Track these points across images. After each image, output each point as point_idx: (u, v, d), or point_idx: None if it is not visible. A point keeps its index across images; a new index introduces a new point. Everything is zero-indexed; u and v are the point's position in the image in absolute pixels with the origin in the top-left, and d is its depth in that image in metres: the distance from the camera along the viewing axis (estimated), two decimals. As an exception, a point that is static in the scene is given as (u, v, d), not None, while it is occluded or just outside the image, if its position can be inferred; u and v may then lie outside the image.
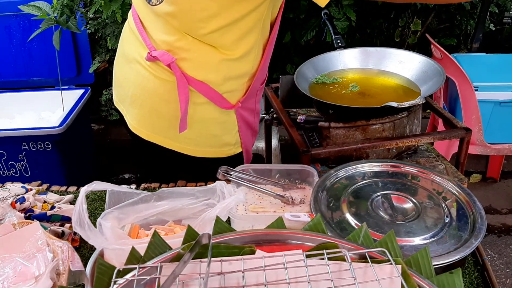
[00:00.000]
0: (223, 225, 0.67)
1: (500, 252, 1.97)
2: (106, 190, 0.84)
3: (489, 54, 2.32)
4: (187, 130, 1.15)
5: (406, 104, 1.15)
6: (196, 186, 1.07)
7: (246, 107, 1.25)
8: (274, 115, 1.49)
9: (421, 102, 1.16)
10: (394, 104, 1.14)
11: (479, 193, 2.36)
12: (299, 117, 1.42)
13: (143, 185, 1.12)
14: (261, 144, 2.09)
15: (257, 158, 2.30)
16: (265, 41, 1.17)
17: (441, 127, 1.93)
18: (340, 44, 1.49)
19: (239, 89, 1.18)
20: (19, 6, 1.83)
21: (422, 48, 3.10)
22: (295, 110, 1.52)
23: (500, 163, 2.36)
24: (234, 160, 1.30)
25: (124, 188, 0.85)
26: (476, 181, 2.44)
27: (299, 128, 1.45)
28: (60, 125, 1.71)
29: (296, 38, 2.41)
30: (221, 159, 1.26)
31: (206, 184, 1.07)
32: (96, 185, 0.80)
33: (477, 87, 1.98)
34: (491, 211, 2.23)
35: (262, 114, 1.52)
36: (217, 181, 0.86)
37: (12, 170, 1.76)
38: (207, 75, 1.11)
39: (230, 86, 1.16)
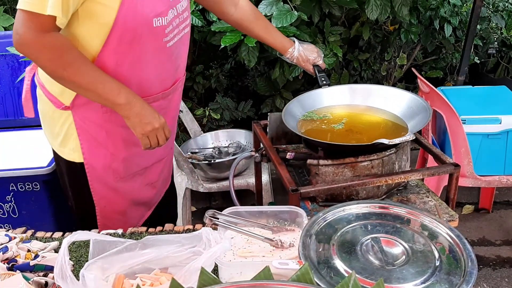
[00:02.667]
0: (208, 277, 0.65)
1: (496, 286, 1.94)
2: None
3: (475, 86, 2.36)
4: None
5: (397, 140, 1.15)
6: (183, 232, 1.05)
7: (89, 117, 1.18)
8: (263, 152, 1.49)
9: (411, 139, 1.17)
10: (385, 141, 1.15)
11: (472, 224, 2.34)
12: (288, 153, 1.42)
13: (129, 230, 1.10)
14: (251, 180, 2.12)
15: (247, 193, 2.34)
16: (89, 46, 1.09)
17: (431, 160, 1.94)
18: (324, 82, 1.50)
19: (68, 90, 1.14)
20: (7, 48, 1.89)
21: (409, 81, 3.17)
22: (284, 146, 1.53)
23: (491, 194, 2.37)
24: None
25: (108, 237, 0.83)
26: (468, 212, 2.43)
27: (289, 164, 1.45)
28: (49, 165, 1.70)
29: (285, 73, 2.46)
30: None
31: (193, 229, 1.05)
32: (79, 235, 0.78)
33: (465, 120, 2.00)
34: (485, 242, 2.21)
35: (249, 152, 1.53)
36: (203, 228, 0.85)
37: (0, 212, 1.72)
38: (40, 70, 1.16)
39: (57, 85, 1.12)
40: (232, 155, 2.25)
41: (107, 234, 1.02)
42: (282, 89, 2.77)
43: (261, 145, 1.52)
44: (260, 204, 1.76)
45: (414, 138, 1.16)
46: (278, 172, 1.28)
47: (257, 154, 1.50)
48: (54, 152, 1.30)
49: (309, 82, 2.90)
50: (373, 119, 1.42)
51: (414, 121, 1.34)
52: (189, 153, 2.26)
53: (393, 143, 1.13)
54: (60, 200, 1.68)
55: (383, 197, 1.29)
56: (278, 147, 1.47)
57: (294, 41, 1.49)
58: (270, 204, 1.91)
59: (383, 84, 2.97)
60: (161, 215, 1.49)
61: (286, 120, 1.33)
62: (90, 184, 1.26)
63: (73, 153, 1.24)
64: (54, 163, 1.65)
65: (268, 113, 1.50)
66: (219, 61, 2.99)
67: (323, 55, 1.53)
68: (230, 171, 1.54)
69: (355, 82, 2.95)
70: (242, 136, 2.39)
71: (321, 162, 1.22)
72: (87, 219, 1.32)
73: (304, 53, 1.48)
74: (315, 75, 1.52)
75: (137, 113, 1.13)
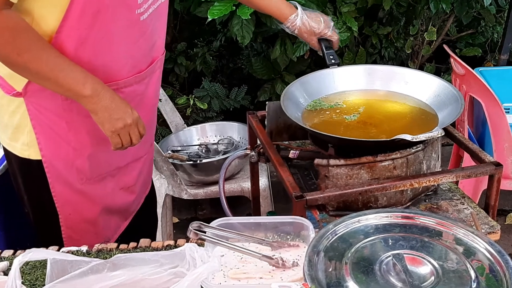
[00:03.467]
0: (192, 305, 0.66)
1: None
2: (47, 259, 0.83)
3: (521, 67, 2.37)
4: None
5: (422, 137, 1.16)
6: (162, 249, 1.06)
7: (45, 105, 1.17)
8: (261, 150, 1.50)
9: (439, 135, 1.18)
10: (408, 137, 1.16)
11: (517, 237, 2.36)
12: (291, 151, 1.43)
13: (96, 246, 1.10)
14: (246, 184, 2.12)
15: (241, 201, 2.35)
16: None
17: (467, 158, 1.95)
18: (333, 61, 1.50)
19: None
20: None
21: (440, 60, 3.18)
22: (286, 143, 1.54)
23: (541, 199, 2.38)
24: None
25: (69, 256, 0.83)
26: (513, 222, 2.45)
27: (292, 165, 1.47)
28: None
29: (287, 52, 2.46)
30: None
31: (175, 246, 1.06)
32: (34, 254, 0.79)
33: (509, 109, 2.01)
34: (534, 259, 2.21)
35: (243, 150, 1.54)
36: (186, 244, 0.85)
37: None
38: None
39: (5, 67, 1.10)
40: (223, 154, 2.26)
41: (68, 252, 1.02)
42: (283, 71, 2.77)
43: (258, 142, 1.52)
44: (258, 214, 1.77)
45: (443, 134, 1.17)
46: (279, 175, 1.29)
47: (253, 153, 1.51)
48: (4, 148, 1.29)
49: (317, 63, 2.91)
50: (395, 108, 1.43)
51: (446, 111, 1.35)
52: (169, 151, 2.27)
53: (417, 139, 1.14)
54: (13, 208, 1.65)
55: (408, 204, 1.30)
56: (279, 144, 1.47)
57: (296, 7, 1.48)
58: (270, 214, 1.93)
59: (407, 65, 2.98)
60: (139, 227, 1.49)
61: (287, 109, 1.34)
62: (50, 186, 1.25)
63: (27, 149, 1.23)
64: (4, 161, 1.63)
65: (267, 102, 1.50)
66: (206, 37, 2.99)
67: (333, 26, 1.52)
68: (220, 173, 1.55)
69: (374, 62, 2.95)
70: (234, 130, 2.40)
71: (332, 162, 1.23)
72: (48, 231, 1.31)
73: (308, 23, 1.47)
74: (322, 51, 1.52)
75: (106, 106, 1.13)
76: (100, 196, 1.32)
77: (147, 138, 1.33)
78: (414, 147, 1.24)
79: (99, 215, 1.33)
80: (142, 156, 1.42)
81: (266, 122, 1.52)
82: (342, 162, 1.22)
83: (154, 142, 1.95)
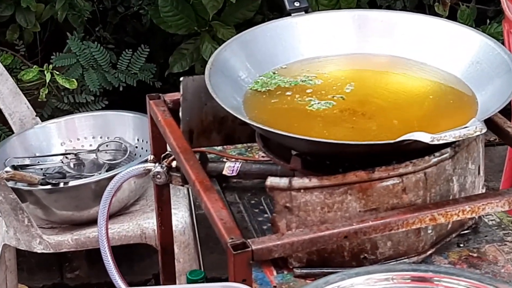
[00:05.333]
0: None
1: None
2: None
3: None
4: None
5: (449, 136, 1.18)
6: None
7: None
8: (174, 164, 1.51)
9: (480, 132, 1.20)
10: (425, 136, 1.18)
11: None
12: (227, 165, 1.45)
13: None
14: (149, 223, 2.13)
15: (143, 252, 2.30)
16: None
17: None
18: (298, 3, 1.54)
19: None
20: None
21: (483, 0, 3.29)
22: (218, 149, 1.56)
23: None
24: None
25: None
26: None
27: (229, 188, 1.49)
28: None
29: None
30: None
31: None
32: None
33: None
34: None
35: (141, 164, 1.54)
36: None
37: None
38: None
39: None
40: (107, 170, 2.26)
41: None
42: (214, 21, 2.82)
43: (168, 148, 1.53)
44: (171, 276, 1.77)
45: (485, 129, 1.20)
46: (205, 207, 1.29)
47: (159, 168, 1.52)
48: None
49: (273, 6, 2.92)
50: (404, 86, 1.47)
51: (490, 90, 1.39)
52: (8, 168, 2.22)
53: (441, 141, 1.17)
54: None
55: (429, 253, 1.33)
56: (205, 152, 1.50)
57: None
58: (193, 275, 1.90)
59: (430, 9, 3.06)
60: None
61: (219, 90, 1.36)
62: None
63: None
64: None
65: (182, 78, 1.52)
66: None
67: None
68: (101, 205, 1.56)
69: (372, 5, 3.03)
70: (127, 127, 2.41)
71: (297, 182, 1.24)
72: None
73: None
74: None
75: None
76: None
77: None
78: (437, 154, 1.26)
79: None
80: None
81: (181, 114, 1.53)
82: (314, 182, 1.24)
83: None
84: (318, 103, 1.41)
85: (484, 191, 1.42)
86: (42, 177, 2.20)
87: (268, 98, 1.44)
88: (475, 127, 1.20)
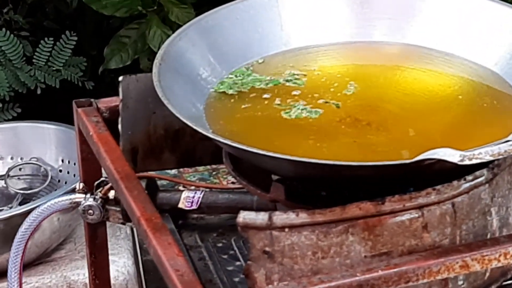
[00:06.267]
0: None
1: None
2: None
3: None
4: None
5: (484, 153, 1.18)
6: None
7: None
8: (112, 195, 1.52)
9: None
10: (450, 155, 1.17)
11: None
12: (184, 194, 1.46)
13: None
14: (79, 274, 2.13)
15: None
16: None
17: None
18: None
19: None
20: None
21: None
22: (172, 173, 1.57)
23: None
24: None
25: None
26: None
27: (187, 226, 1.49)
28: None
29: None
30: None
31: None
32: None
33: None
34: None
35: (67, 195, 1.54)
36: None
37: None
38: None
39: None
40: (20, 203, 2.27)
41: None
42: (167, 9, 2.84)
43: (104, 173, 1.53)
44: None
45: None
46: (154, 252, 1.28)
47: (91, 200, 1.53)
48: None
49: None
50: (424, 85, 1.47)
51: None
52: None
53: (473, 160, 1.16)
54: None
55: (462, 312, 1.31)
56: (154, 177, 1.50)
57: None
58: None
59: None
60: None
61: (172, 94, 1.35)
62: None
63: None
64: None
65: (121, 78, 1.52)
66: None
67: None
68: (12, 251, 1.55)
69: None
70: (46, 144, 2.41)
71: (280, 218, 1.22)
72: None
73: None
74: None
75: None
76: None
77: None
78: (469, 178, 1.26)
79: None
80: None
81: (121, 126, 1.53)
82: (303, 218, 1.22)
83: None
84: (303, 110, 1.41)
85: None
86: None
87: (238, 103, 1.44)
88: (519, 141, 1.20)
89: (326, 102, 1.42)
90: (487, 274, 1.34)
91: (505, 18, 1.48)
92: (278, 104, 1.43)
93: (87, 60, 2.98)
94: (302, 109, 1.40)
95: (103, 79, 2.96)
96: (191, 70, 1.46)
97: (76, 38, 2.94)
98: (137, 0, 2.81)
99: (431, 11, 1.53)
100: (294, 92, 1.45)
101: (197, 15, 1.58)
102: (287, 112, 1.40)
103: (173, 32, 1.54)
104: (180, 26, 1.55)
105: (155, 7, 2.83)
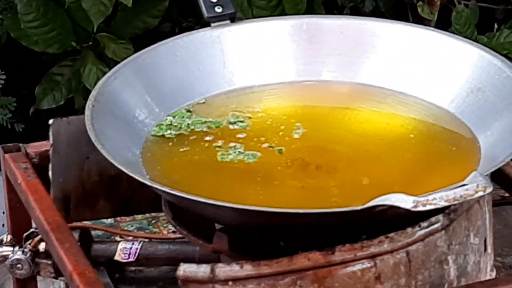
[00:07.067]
0: None
1: None
2: None
3: None
4: None
5: (439, 199, 1.19)
6: None
7: None
8: (42, 247, 1.51)
9: (482, 192, 1.21)
10: (403, 200, 1.18)
11: None
12: (121, 245, 1.46)
13: None
14: None
15: None
16: None
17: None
18: (219, 10, 1.57)
19: None
20: None
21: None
22: (108, 222, 1.59)
23: None
24: None
25: None
26: None
27: (125, 280, 1.48)
28: None
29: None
30: None
31: None
32: None
33: None
34: None
35: None
36: None
37: None
38: None
39: None
40: None
41: None
42: (100, 33, 2.84)
43: (34, 225, 1.52)
44: None
45: (491, 188, 1.21)
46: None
47: (19, 253, 1.51)
48: None
49: (187, 11, 2.94)
50: (376, 126, 1.49)
51: (495, 130, 1.41)
52: None
53: (427, 206, 1.17)
54: None
55: None
56: (88, 227, 1.50)
57: None
58: None
59: (409, 12, 3.12)
60: None
61: (106, 138, 1.34)
62: None
63: None
64: None
65: (51, 121, 1.53)
66: None
67: None
68: None
69: (327, 6, 3.08)
70: None
71: (223, 270, 1.23)
72: None
73: None
74: None
75: None
76: None
77: None
78: (424, 225, 1.27)
79: None
80: None
81: (51, 173, 1.53)
82: (248, 270, 1.22)
83: None
84: (240, 153, 1.42)
85: (494, 275, 1.43)
86: None
87: (177, 147, 1.44)
88: (476, 185, 1.20)
89: (270, 147, 1.43)
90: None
91: (461, 53, 1.50)
92: (219, 147, 1.43)
93: (16, 100, 2.95)
94: (239, 152, 1.41)
95: (36, 121, 2.94)
96: (127, 111, 1.46)
97: (4, 77, 2.92)
98: (71, 35, 2.80)
99: (384, 47, 1.54)
100: (239, 135, 1.45)
101: (136, 50, 1.58)
102: (223, 155, 1.40)
103: (109, 69, 1.54)
104: (117, 62, 1.55)
105: (91, 43, 2.82)
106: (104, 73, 1.49)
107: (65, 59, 2.87)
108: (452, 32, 1.59)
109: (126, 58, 1.54)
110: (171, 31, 2.44)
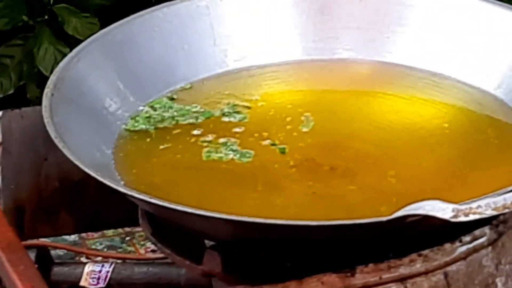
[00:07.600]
0: None
1: None
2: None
3: None
4: None
5: (484, 206, 1.19)
6: None
7: None
8: None
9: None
10: (440, 209, 1.18)
11: None
12: (88, 268, 1.47)
13: None
14: None
15: None
16: None
17: None
18: None
19: None
20: None
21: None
22: (70, 239, 1.57)
23: None
24: None
25: None
26: None
27: None
28: None
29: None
30: None
31: None
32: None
33: None
34: None
35: None
36: None
37: None
38: None
39: None
40: None
41: None
42: (58, 4, 2.86)
43: None
44: None
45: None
46: None
47: None
48: None
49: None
50: (405, 116, 1.48)
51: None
52: None
53: (469, 217, 1.17)
54: None
55: None
56: (46, 246, 1.51)
57: None
58: None
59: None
60: None
61: (66, 133, 1.34)
62: None
63: None
64: None
65: (1, 112, 1.53)
66: None
67: None
68: None
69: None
70: None
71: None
72: None
73: None
74: None
75: None
76: None
77: None
78: (467, 240, 1.27)
79: None
80: None
81: (0, 178, 1.53)
82: (247, 296, 1.23)
83: None
84: (234, 151, 1.41)
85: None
86: None
87: (156, 144, 1.44)
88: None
89: (273, 145, 1.42)
90: None
91: (510, 26, 1.50)
92: (208, 142, 1.43)
93: None
94: (232, 150, 1.40)
95: (-22, 113, 2.95)
96: (94, 101, 1.45)
97: None
98: (22, 7, 2.80)
99: (413, 18, 1.54)
100: (236, 129, 1.45)
101: (102, 26, 1.57)
102: (209, 152, 1.39)
103: (71, 50, 1.53)
104: (80, 41, 1.54)
105: (46, 17, 2.81)
106: (64, 55, 1.48)
107: (14, 38, 2.87)
108: (500, 0, 1.54)
109: (91, 35, 1.52)
110: (147, 1, 2.42)
